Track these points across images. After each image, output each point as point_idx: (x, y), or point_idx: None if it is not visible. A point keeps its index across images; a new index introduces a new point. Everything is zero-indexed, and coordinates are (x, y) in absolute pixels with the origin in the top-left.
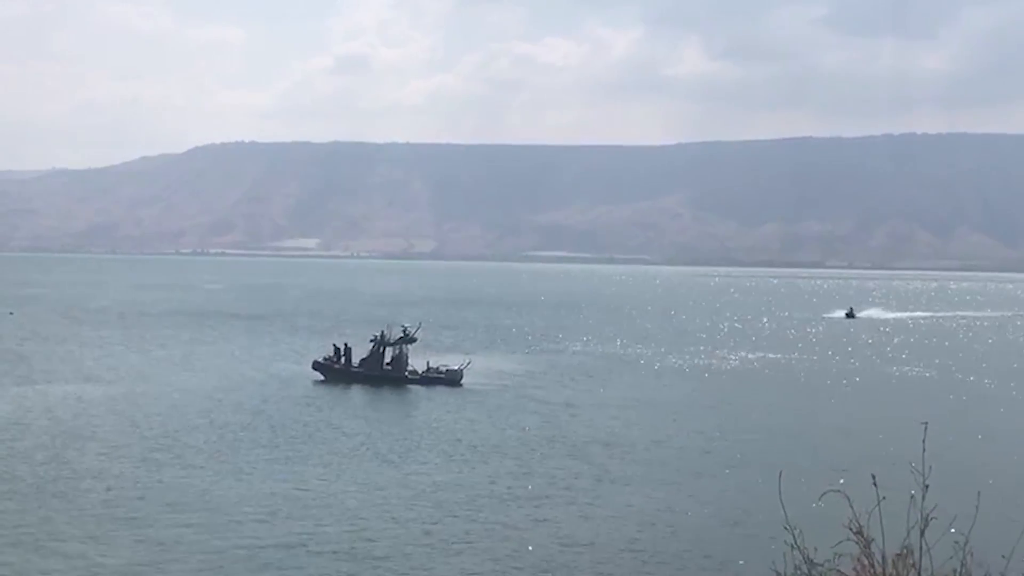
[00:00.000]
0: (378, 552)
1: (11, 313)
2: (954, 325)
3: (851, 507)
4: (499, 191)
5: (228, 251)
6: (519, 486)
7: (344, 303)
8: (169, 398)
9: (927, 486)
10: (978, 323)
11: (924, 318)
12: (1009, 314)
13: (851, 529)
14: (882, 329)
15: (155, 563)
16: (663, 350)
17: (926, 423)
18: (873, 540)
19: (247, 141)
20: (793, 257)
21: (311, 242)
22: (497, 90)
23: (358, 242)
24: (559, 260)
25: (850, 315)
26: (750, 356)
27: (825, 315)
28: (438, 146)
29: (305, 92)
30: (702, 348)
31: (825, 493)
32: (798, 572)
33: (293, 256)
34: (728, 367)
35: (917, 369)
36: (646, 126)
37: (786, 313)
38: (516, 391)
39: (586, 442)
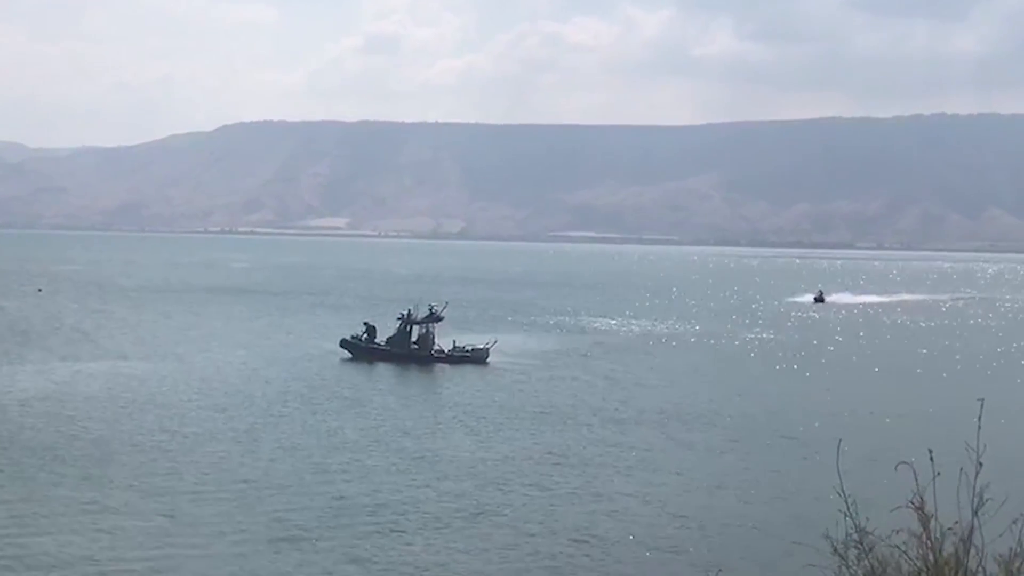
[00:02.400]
0: (407, 525)
1: (40, 290)
2: (941, 307)
3: (916, 482)
4: (528, 171)
5: (257, 230)
6: (544, 460)
7: (372, 282)
8: (200, 375)
9: (981, 464)
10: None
11: (897, 302)
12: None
13: (913, 504)
14: (842, 314)
15: (186, 534)
16: (684, 327)
17: (982, 399)
18: (933, 516)
19: (276, 120)
20: (823, 238)
21: (340, 221)
22: (527, 70)
23: (387, 222)
24: (588, 240)
25: (819, 299)
26: (764, 336)
27: (791, 299)
28: (467, 126)
29: (335, 71)
30: (707, 327)
31: (899, 464)
32: (850, 540)
33: (322, 235)
34: (743, 346)
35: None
36: (676, 107)
37: (756, 295)
38: (542, 370)
39: (613, 418)
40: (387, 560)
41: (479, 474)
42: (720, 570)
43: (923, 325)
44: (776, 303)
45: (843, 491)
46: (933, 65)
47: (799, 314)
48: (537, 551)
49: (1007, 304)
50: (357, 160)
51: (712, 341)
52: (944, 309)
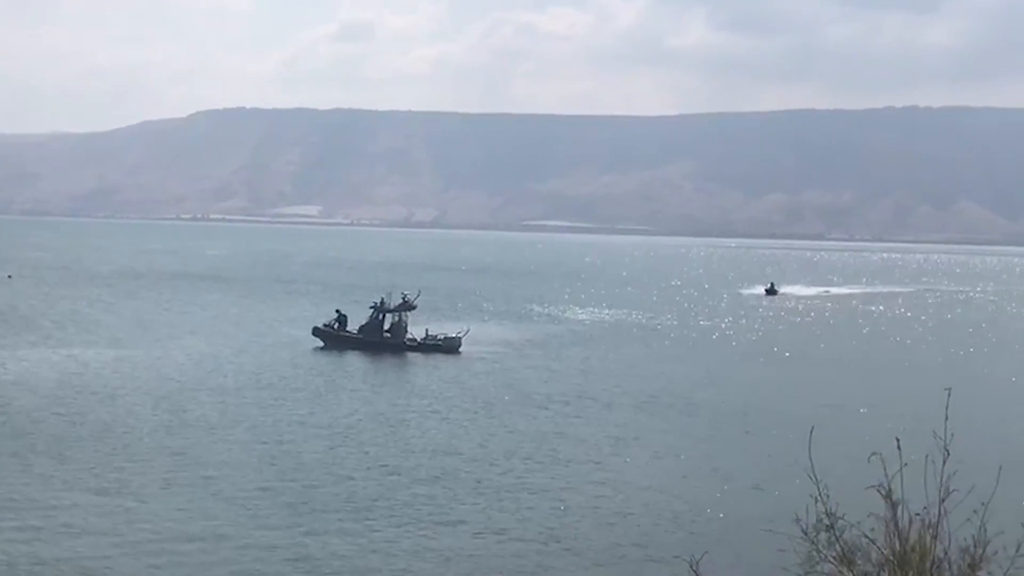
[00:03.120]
0: (378, 513)
1: (9, 276)
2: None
3: (885, 470)
4: (502, 160)
5: (229, 217)
6: (516, 449)
7: (344, 270)
8: (170, 362)
9: (948, 452)
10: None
11: (853, 295)
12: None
13: (880, 492)
14: (790, 306)
15: (152, 523)
16: (649, 318)
17: (949, 389)
18: (900, 504)
19: (249, 107)
20: (795, 229)
21: (313, 209)
22: (501, 59)
23: (360, 210)
24: (561, 230)
25: (771, 291)
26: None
27: (743, 291)
28: (441, 114)
29: (309, 58)
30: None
31: (872, 455)
32: (820, 524)
33: (294, 223)
34: (703, 335)
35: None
36: (650, 97)
37: (705, 286)
38: (513, 359)
39: (583, 408)
40: (356, 551)
41: (450, 463)
42: (706, 552)
43: (872, 316)
44: (726, 295)
45: (814, 476)
46: (906, 58)
47: (751, 306)
48: (509, 539)
49: (967, 295)
50: (330, 148)
51: (675, 331)
52: (900, 301)
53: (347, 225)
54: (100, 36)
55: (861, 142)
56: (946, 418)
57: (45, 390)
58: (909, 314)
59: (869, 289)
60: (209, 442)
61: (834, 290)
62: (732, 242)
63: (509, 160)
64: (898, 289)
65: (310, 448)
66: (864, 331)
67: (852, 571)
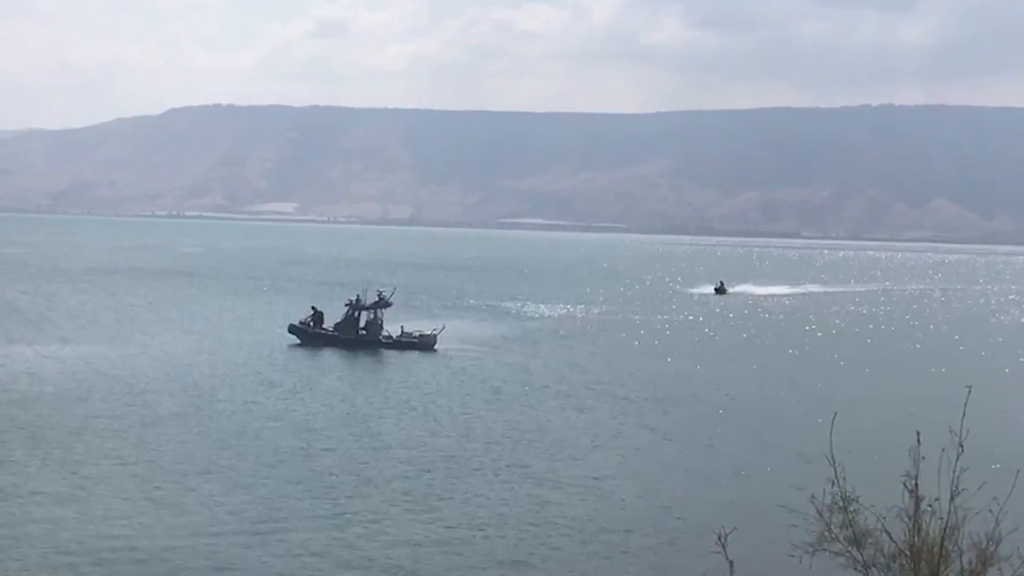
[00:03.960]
0: (354, 510)
1: None
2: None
3: (915, 464)
4: (477, 158)
5: (204, 214)
6: (492, 445)
7: (320, 267)
8: (146, 359)
9: (962, 448)
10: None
11: (803, 293)
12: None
13: (906, 485)
14: (737, 305)
15: (123, 520)
16: (614, 313)
17: (970, 386)
18: (924, 498)
19: (224, 104)
20: (771, 227)
21: (288, 206)
22: (477, 56)
23: (336, 207)
24: (537, 227)
25: (720, 290)
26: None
27: (692, 289)
28: (417, 112)
29: (284, 55)
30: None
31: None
32: (835, 505)
33: (270, 220)
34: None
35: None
36: (625, 94)
37: (648, 283)
38: (488, 356)
39: (559, 402)
40: (330, 547)
41: (426, 459)
42: (735, 528)
43: (817, 316)
44: (671, 293)
45: (832, 459)
46: (880, 56)
47: (696, 304)
48: (490, 535)
49: (924, 295)
50: (306, 145)
51: (626, 327)
52: (856, 300)
53: (323, 222)
54: (75, 32)
55: (837, 140)
56: (963, 415)
57: (16, 387)
58: (838, 312)
59: (827, 289)
60: (183, 439)
61: (785, 289)
62: (712, 239)
63: (485, 157)
64: (856, 288)
65: (285, 445)
66: (799, 329)
67: (862, 555)
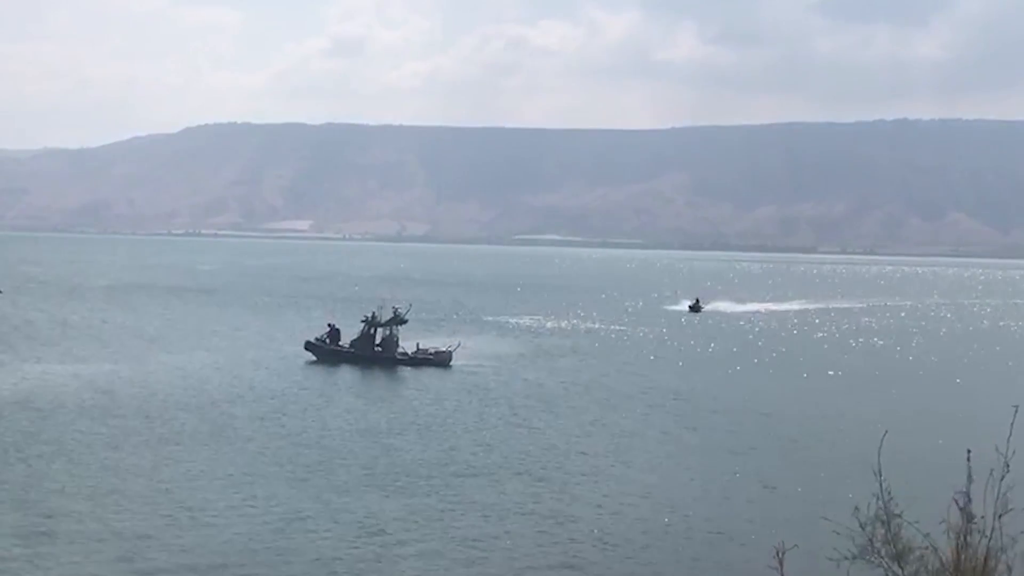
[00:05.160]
0: (370, 529)
1: (0, 292)
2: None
3: (970, 479)
4: (493, 174)
5: (221, 232)
6: (505, 463)
7: (336, 284)
8: (163, 376)
9: (1008, 467)
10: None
11: (783, 311)
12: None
13: (957, 502)
14: (709, 324)
15: (141, 544)
16: (635, 329)
17: (1016, 406)
18: (975, 518)
19: (240, 122)
20: (787, 242)
21: (304, 224)
22: (492, 73)
23: (351, 224)
24: (553, 244)
25: (695, 308)
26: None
27: (668, 307)
28: (432, 129)
29: (300, 73)
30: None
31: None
32: (879, 518)
33: (286, 238)
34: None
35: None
36: (640, 110)
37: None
38: (504, 372)
39: (576, 417)
40: (348, 562)
41: (444, 474)
42: (795, 545)
43: (794, 335)
44: (640, 309)
45: (879, 474)
46: (895, 70)
47: (670, 322)
48: (512, 550)
49: (914, 312)
50: (321, 162)
51: (655, 340)
52: (831, 316)
53: (339, 239)
54: (91, 51)
55: (852, 154)
56: (1010, 434)
57: (37, 403)
58: (813, 332)
59: (809, 305)
60: (200, 456)
61: (764, 307)
62: (728, 255)
63: (500, 174)
64: (845, 305)
65: (303, 461)
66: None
67: (903, 570)
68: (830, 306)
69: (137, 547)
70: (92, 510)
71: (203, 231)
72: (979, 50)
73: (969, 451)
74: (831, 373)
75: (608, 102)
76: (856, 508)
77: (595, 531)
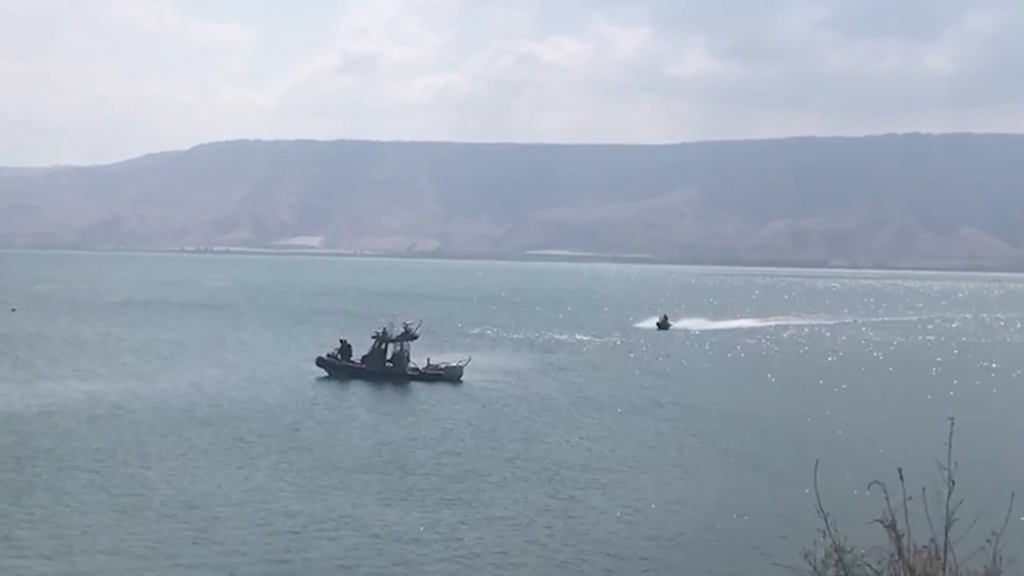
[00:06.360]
0: (382, 544)
1: (13, 310)
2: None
3: (886, 500)
4: (503, 190)
5: (232, 249)
6: (515, 478)
7: (347, 300)
8: (175, 391)
9: (953, 482)
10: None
11: (755, 328)
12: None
13: (883, 523)
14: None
15: (157, 560)
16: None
17: (952, 418)
18: (904, 535)
19: (251, 139)
20: (797, 256)
21: (315, 240)
22: (502, 89)
23: (362, 240)
24: (564, 259)
25: (662, 325)
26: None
27: (636, 324)
28: (442, 144)
29: (310, 90)
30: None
31: (871, 484)
32: (829, 558)
33: (297, 254)
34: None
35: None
36: (650, 125)
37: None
38: (514, 387)
39: (586, 435)
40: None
41: (456, 489)
42: None
43: (751, 353)
44: (617, 328)
45: (821, 509)
46: (906, 84)
47: (636, 339)
48: (530, 564)
49: (877, 330)
50: (332, 178)
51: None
52: (787, 333)
53: (350, 255)
54: (103, 69)
55: (863, 168)
56: (949, 447)
57: (52, 419)
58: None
59: (784, 321)
60: (212, 472)
61: (735, 323)
62: (738, 269)
63: (511, 189)
64: (820, 322)
65: (314, 478)
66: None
67: None
68: (815, 322)
69: (153, 563)
70: (108, 526)
71: (215, 248)
72: (989, 64)
73: (900, 469)
74: (843, 386)
75: (618, 117)
76: (805, 552)
77: (609, 541)
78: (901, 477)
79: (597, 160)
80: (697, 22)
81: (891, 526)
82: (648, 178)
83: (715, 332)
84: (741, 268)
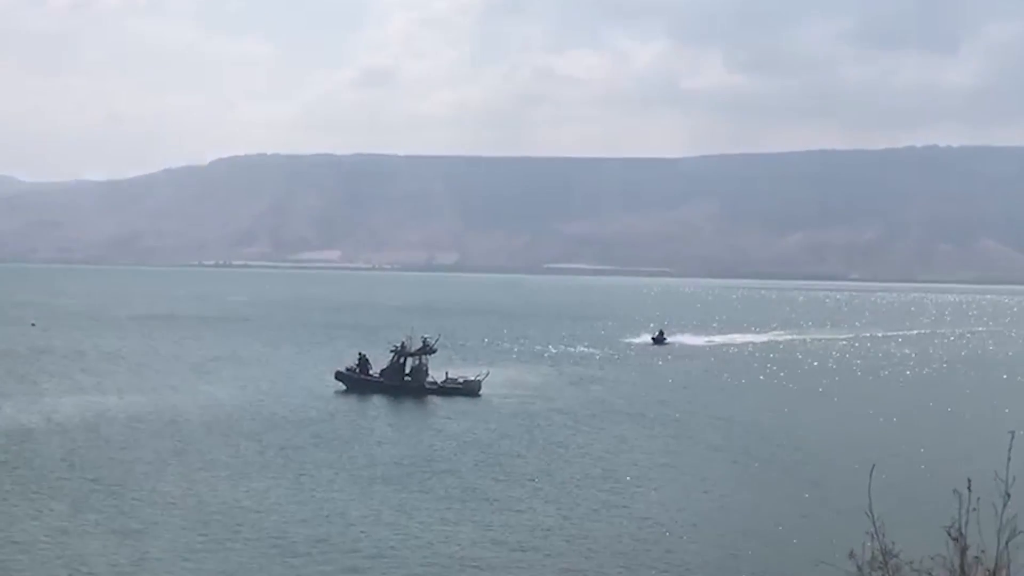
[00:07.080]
0: (402, 558)
1: (33, 324)
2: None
3: (959, 510)
4: (521, 203)
5: (251, 263)
6: (535, 492)
7: (366, 314)
8: (193, 405)
9: (1009, 495)
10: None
11: (753, 343)
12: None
13: (950, 533)
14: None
15: (171, 571)
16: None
17: (1013, 432)
18: (969, 548)
19: (270, 153)
20: (817, 270)
21: (334, 254)
22: (520, 102)
23: (380, 254)
24: (582, 272)
25: (658, 340)
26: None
27: (629, 339)
28: (461, 158)
29: (329, 104)
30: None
31: (951, 490)
32: (875, 561)
33: (316, 268)
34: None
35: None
36: (668, 138)
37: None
38: (533, 401)
39: (604, 448)
40: None
41: (476, 502)
42: None
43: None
44: (608, 343)
45: (871, 513)
46: (924, 97)
47: (630, 354)
48: None
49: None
50: (350, 192)
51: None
52: (785, 347)
53: (368, 269)
54: (123, 84)
55: (882, 182)
56: (1008, 459)
57: (70, 433)
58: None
59: (781, 336)
60: (232, 485)
61: (736, 338)
62: (757, 283)
63: (529, 203)
64: (825, 336)
65: (334, 492)
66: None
67: None
68: (815, 337)
69: (174, 574)
70: (127, 537)
71: (233, 262)
72: (1008, 76)
73: (970, 480)
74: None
75: (636, 130)
76: (852, 552)
77: (628, 552)
78: (969, 488)
79: (615, 173)
80: (714, 36)
81: (957, 537)
82: (666, 191)
83: (749, 345)
84: (760, 281)
